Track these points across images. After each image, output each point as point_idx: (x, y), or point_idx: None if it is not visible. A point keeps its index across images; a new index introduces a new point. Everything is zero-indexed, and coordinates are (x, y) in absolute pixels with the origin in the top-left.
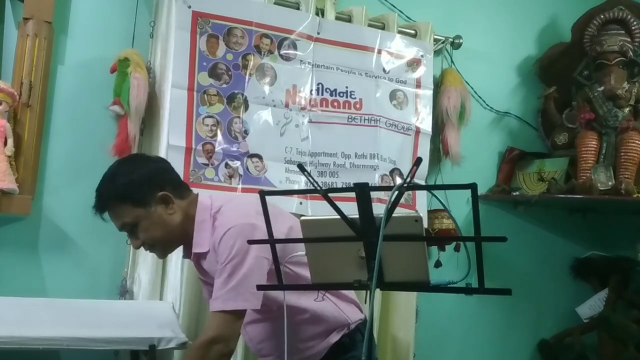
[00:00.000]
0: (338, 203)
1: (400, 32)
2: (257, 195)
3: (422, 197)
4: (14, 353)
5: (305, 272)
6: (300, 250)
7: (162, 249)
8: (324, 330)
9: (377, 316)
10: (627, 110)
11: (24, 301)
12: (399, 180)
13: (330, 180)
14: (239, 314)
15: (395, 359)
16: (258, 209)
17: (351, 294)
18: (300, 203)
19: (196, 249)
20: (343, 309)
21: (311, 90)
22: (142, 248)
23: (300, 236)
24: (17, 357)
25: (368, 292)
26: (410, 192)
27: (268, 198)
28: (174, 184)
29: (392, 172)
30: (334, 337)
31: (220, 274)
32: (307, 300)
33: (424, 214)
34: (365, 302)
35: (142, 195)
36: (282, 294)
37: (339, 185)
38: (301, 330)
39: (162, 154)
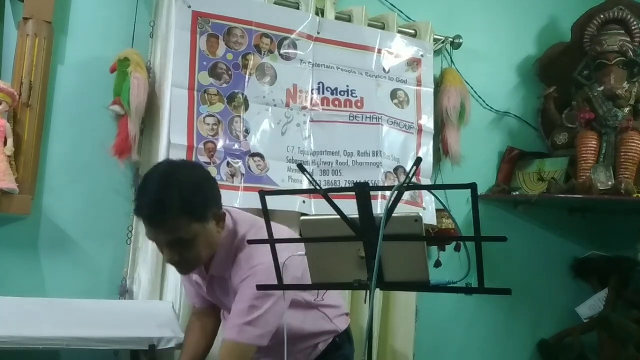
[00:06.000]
0: (341, 201)
1: (400, 32)
2: (280, 225)
3: (429, 194)
4: (14, 353)
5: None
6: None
7: (194, 266)
8: (318, 342)
9: (377, 317)
10: (627, 110)
11: (24, 301)
12: (403, 178)
13: (333, 179)
14: (252, 348)
15: (396, 359)
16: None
17: (344, 307)
18: (304, 202)
19: (214, 272)
20: (336, 322)
21: (312, 90)
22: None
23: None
24: (17, 357)
25: (368, 292)
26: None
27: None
28: (221, 199)
29: (396, 169)
30: (327, 343)
31: (240, 302)
32: (304, 322)
33: (431, 211)
34: (365, 302)
35: (203, 209)
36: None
37: (343, 184)
38: (297, 344)
39: (162, 153)
